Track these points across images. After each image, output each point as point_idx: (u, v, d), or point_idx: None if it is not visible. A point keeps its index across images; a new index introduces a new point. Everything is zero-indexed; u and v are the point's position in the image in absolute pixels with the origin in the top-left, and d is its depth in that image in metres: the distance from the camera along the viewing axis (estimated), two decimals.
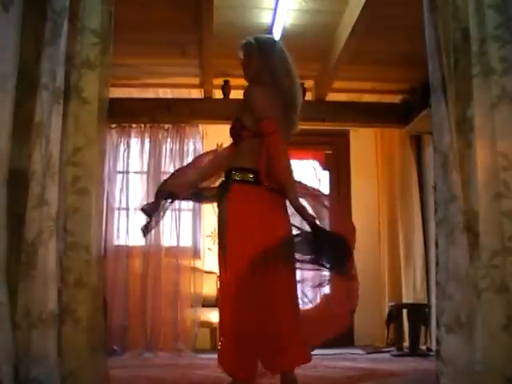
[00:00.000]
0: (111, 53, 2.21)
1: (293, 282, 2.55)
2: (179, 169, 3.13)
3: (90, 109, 2.13)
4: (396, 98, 5.43)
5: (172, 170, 5.39)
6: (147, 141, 5.43)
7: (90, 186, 2.12)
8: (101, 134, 2.18)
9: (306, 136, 5.60)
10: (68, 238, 2.07)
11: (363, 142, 5.98)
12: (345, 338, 5.62)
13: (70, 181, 2.09)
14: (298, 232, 2.53)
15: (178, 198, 2.76)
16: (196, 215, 5.38)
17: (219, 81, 5.15)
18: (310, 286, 2.65)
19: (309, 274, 2.64)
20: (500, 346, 1.89)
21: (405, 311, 5.04)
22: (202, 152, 5.38)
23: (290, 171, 2.49)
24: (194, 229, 5.39)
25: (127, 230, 5.30)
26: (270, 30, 4.38)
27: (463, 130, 2.09)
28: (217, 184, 2.70)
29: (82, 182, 2.10)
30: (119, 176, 5.43)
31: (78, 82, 2.13)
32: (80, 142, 2.12)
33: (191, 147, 5.47)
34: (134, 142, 5.49)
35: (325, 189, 5.96)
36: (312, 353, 2.55)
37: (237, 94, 5.17)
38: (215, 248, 3.21)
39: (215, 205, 2.66)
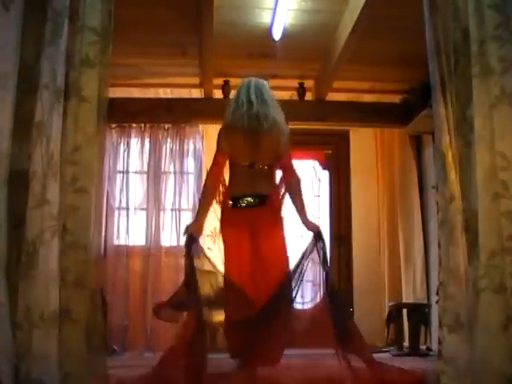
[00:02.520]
0: (110, 51, 2.21)
1: None
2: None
3: (89, 107, 2.13)
4: (396, 98, 5.43)
5: (172, 170, 5.42)
6: (147, 141, 5.43)
7: (88, 185, 2.12)
8: (100, 133, 2.18)
9: (306, 136, 5.66)
10: (67, 238, 2.06)
11: (363, 142, 5.98)
12: None
13: (69, 180, 2.09)
14: None
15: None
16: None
17: (219, 81, 5.15)
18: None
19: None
20: (499, 345, 1.89)
21: (405, 311, 5.04)
22: (201, 152, 5.40)
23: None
24: None
25: (127, 230, 5.29)
26: (270, 30, 4.38)
27: (463, 130, 2.09)
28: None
29: (81, 181, 2.10)
30: (119, 176, 5.42)
31: (77, 80, 2.13)
32: (79, 140, 2.11)
33: (191, 147, 5.46)
34: (134, 142, 5.48)
35: (325, 189, 5.97)
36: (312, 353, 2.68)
37: None
38: (215, 248, 3.24)
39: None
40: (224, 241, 3.00)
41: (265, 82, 3.16)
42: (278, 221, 3.01)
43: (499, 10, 2.07)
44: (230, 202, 2.96)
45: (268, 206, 2.95)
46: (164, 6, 3.91)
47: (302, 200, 3.07)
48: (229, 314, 2.91)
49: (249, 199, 2.92)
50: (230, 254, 2.97)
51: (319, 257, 2.81)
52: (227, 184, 3.02)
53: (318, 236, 2.85)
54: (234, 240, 2.97)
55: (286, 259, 3.01)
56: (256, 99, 2.99)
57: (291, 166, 3.04)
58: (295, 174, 3.05)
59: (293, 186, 3.01)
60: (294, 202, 3.02)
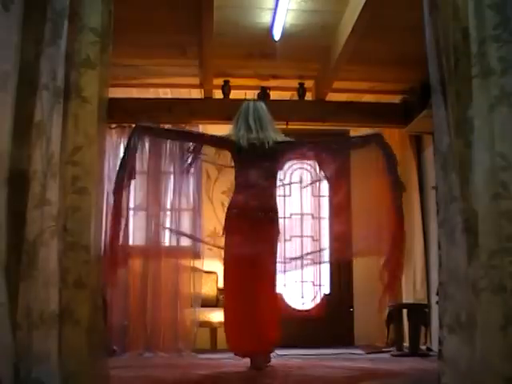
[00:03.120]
0: (111, 52, 2.21)
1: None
2: None
3: (90, 108, 2.13)
4: (396, 98, 5.43)
5: (172, 170, 5.41)
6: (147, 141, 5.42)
7: (89, 185, 2.12)
8: (101, 134, 2.18)
9: (306, 136, 5.66)
10: (67, 238, 2.06)
11: None
12: (345, 338, 5.62)
13: (70, 180, 2.09)
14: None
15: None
16: (196, 215, 5.38)
17: (219, 81, 5.16)
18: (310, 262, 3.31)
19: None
20: (498, 345, 1.88)
21: (405, 311, 5.04)
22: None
23: None
24: (194, 229, 5.38)
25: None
26: (270, 30, 4.38)
27: (463, 131, 2.09)
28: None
29: (82, 182, 2.10)
30: None
31: (77, 81, 2.12)
32: (80, 141, 2.11)
33: (191, 147, 5.45)
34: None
35: (324, 189, 5.96)
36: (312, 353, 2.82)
37: (237, 94, 5.17)
38: (215, 248, 3.32)
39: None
40: (225, 245, 3.18)
41: (263, 104, 3.37)
42: (274, 231, 3.19)
43: (499, 10, 2.06)
44: (234, 211, 3.13)
45: (268, 218, 3.13)
46: (164, 6, 3.91)
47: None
48: (229, 309, 3.11)
49: (250, 210, 3.08)
50: (228, 257, 3.15)
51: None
52: (233, 193, 3.22)
53: (379, 140, 3.13)
54: (234, 246, 3.11)
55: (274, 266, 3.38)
56: (255, 124, 3.19)
57: (318, 154, 3.47)
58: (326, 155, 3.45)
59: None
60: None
